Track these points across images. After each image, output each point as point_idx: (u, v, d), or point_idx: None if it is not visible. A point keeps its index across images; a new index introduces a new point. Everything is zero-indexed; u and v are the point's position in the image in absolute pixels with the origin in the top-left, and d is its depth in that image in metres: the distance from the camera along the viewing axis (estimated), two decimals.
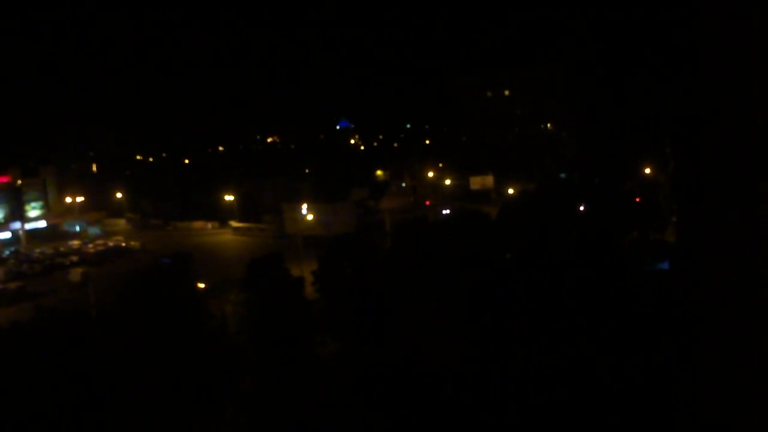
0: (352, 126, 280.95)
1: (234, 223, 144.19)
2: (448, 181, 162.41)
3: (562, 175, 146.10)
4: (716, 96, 13.45)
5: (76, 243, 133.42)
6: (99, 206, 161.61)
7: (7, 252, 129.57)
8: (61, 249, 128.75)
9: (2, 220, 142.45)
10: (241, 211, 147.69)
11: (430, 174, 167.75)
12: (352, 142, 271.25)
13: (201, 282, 71.52)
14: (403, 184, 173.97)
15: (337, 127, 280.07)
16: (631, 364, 44.53)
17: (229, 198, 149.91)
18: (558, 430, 43.19)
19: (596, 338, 47.03)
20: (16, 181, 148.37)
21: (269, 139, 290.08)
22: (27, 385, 45.50)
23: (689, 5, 13.88)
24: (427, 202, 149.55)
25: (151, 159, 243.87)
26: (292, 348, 56.21)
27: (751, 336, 12.74)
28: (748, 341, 12.78)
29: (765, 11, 12.61)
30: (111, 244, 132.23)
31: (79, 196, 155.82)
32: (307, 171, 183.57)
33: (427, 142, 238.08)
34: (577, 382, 44.43)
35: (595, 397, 43.31)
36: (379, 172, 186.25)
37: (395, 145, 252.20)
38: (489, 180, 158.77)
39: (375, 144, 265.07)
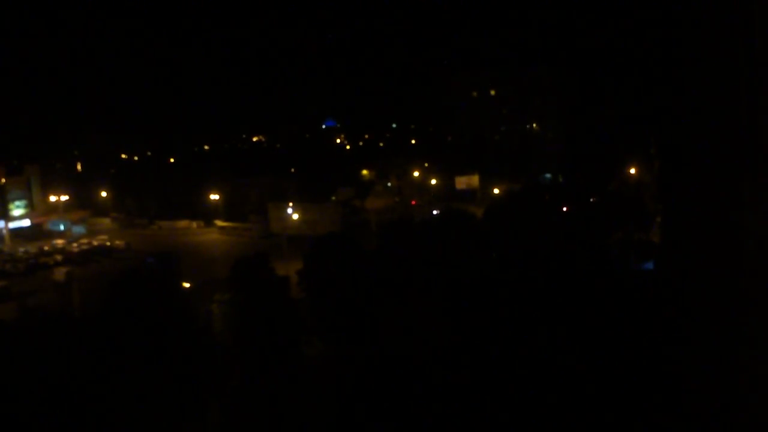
0: (338, 125, 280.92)
1: (219, 223, 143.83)
2: (433, 181, 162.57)
3: (548, 176, 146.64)
4: (701, 96, 13.52)
5: (60, 242, 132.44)
6: (84, 205, 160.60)
7: None
8: (46, 248, 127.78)
9: None
10: (227, 210, 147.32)
11: (416, 174, 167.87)
12: (338, 141, 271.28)
13: (186, 282, 71.31)
14: (389, 184, 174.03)
15: (323, 127, 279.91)
16: (616, 363, 44.71)
17: (214, 197, 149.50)
18: (544, 428, 43.33)
19: (581, 337, 47.19)
20: (0, 180, 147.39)
21: (255, 138, 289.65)
22: (10, 385, 45.28)
23: (674, 5, 13.95)
24: (413, 202, 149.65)
25: (136, 158, 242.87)
26: (278, 348, 56.14)
27: (736, 335, 12.82)
28: (734, 341, 12.86)
29: (750, 12, 12.68)
30: (96, 243, 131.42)
31: (64, 194, 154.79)
32: (292, 170, 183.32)
33: (413, 141, 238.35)
34: (563, 381, 44.57)
35: (581, 396, 43.45)
36: (364, 172, 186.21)
37: (381, 144, 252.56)
38: (474, 180, 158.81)
39: (361, 143, 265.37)
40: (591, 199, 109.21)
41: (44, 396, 45.15)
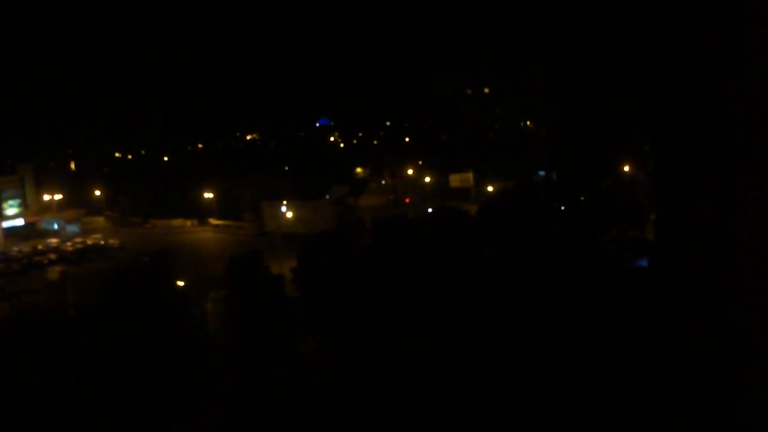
0: (332, 123, 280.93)
1: (214, 221, 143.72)
2: (428, 179, 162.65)
3: (542, 173, 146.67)
4: (695, 92, 13.54)
5: (54, 241, 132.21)
6: (77, 204, 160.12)
7: None
8: (40, 247, 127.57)
9: None
10: (221, 208, 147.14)
11: (410, 171, 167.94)
12: (332, 139, 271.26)
13: (181, 280, 71.09)
14: (383, 182, 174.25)
15: (317, 125, 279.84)
16: (610, 361, 44.77)
17: (208, 196, 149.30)
18: (537, 427, 43.37)
19: (575, 335, 47.25)
20: None
21: (249, 137, 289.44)
22: (4, 385, 45.20)
23: (667, 2, 13.96)
24: (407, 200, 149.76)
25: (130, 156, 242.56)
26: (273, 346, 56.12)
27: (730, 333, 12.85)
28: (727, 339, 12.89)
29: (741, 9, 12.70)
30: (90, 242, 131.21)
31: (58, 193, 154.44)
32: (286, 169, 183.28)
33: (407, 139, 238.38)
34: (557, 379, 44.63)
35: (575, 394, 43.51)
36: (358, 170, 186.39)
37: (375, 142, 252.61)
38: (469, 177, 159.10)
39: (355, 141, 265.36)
40: (585, 197, 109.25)
41: (38, 395, 45.07)
